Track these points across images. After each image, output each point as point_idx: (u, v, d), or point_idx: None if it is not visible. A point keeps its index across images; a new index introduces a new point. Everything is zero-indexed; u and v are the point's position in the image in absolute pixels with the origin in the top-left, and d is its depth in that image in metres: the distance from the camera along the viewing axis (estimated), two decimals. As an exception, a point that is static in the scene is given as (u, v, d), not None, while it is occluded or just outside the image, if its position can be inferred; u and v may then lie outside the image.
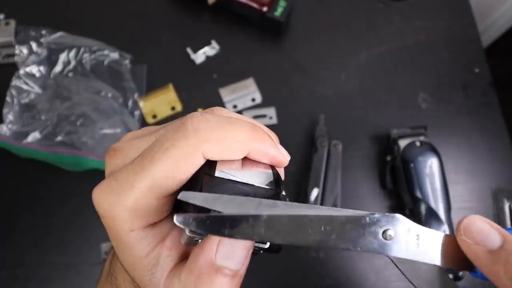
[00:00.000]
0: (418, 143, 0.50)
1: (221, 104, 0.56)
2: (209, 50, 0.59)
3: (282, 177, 0.23)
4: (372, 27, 0.63)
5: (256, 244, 0.20)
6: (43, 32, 0.56)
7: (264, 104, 0.57)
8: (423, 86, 0.59)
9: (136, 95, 0.55)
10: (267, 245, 0.20)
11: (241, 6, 0.58)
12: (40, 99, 0.53)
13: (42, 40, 0.55)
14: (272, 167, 0.21)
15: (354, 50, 0.61)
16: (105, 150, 0.51)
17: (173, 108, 0.56)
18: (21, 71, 0.54)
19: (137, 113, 0.54)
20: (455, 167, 0.56)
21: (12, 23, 0.57)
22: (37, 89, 0.53)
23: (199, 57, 0.59)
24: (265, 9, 0.56)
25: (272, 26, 0.59)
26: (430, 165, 0.49)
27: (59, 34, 0.56)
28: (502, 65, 0.84)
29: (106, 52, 0.56)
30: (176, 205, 0.21)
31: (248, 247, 0.19)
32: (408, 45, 0.62)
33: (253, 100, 0.57)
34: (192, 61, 0.59)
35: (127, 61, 0.56)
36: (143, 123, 0.55)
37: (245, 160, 0.21)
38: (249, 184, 0.19)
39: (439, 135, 0.56)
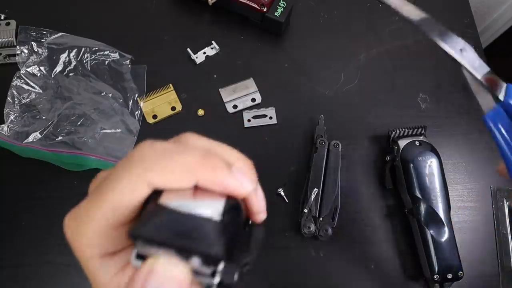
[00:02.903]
0: (417, 143, 0.50)
1: (222, 104, 0.57)
2: (209, 50, 0.60)
3: (261, 204, 0.23)
4: (372, 27, 0.63)
5: (204, 281, 0.19)
6: (44, 32, 0.56)
7: (264, 104, 0.57)
8: (423, 86, 0.59)
9: (136, 95, 0.55)
10: (216, 280, 0.19)
11: (241, 6, 0.58)
12: (41, 99, 0.53)
13: (43, 40, 0.55)
14: (230, 196, 0.21)
15: (354, 50, 0.61)
16: (105, 150, 0.51)
17: (173, 108, 0.56)
18: (22, 71, 0.54)
19: (137, 113, 0.55)
20: (454, 167, 0.56)
21: (13, 23, 0.57)
22: (38, 89, 0.54)
23: (199, 57, 0.59)
24: (265, 9, 0.57)
25: (272, 26, 0.59)
26: (430, 165, 0.49)
27: (59, 34, 0.56)
28: (501, 65, 0.84)
29: (106, 52, 0.56)
30: None
31: (181, 282, 0.18)
32: (407, 45, 0.62)
33: (253, 100, 0.57)
34: (193, 61, 0.59)
35: (127, 61, 0.56)
36: (144, 123, 0.55)
37: (200, 188, 0.20)
38: (192, 214, 0.19)
39: (438, 135, 0.56)
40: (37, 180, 0.52)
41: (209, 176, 0.20)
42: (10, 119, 0.52)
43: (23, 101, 0.53)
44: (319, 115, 0.54)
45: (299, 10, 0.62)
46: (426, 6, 0.64)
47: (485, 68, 0.28)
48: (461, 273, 0.46)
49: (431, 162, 0.49)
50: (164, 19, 0.62)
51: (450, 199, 0.49)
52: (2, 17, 0.58)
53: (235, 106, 0.57)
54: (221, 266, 0.19)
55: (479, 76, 0.28)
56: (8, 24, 0.57)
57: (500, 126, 0.28)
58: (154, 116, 0.55)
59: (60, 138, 0.51)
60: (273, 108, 0.56)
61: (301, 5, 0.63)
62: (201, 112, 0.56)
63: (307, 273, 0.50)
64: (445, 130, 0.57)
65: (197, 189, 0.20)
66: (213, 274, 0.19)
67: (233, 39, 0.61)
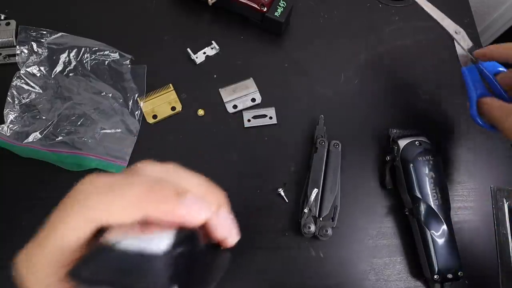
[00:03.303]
0: (417, 143, 0.50)
1: (222, 104, 0.57)
2: (209, 50, 0.60)
3: (225, 230, 0.22)
4: (372, 27, 0.63)
5: None
6: (44, 32, 0.56)
7: (264, 104, 0.57)
8: (423, 86, 0.59)
9: (136, 95, 0.55)
10: None
11: (241, 6, 0.58)
12: (41, 99, 0.53)
13: (43, 40, 0.55)
14: (182, 226, 0.20)
15: (354, 50, 0.61)
16: (105, 150, 0.51)
17: (173, 108, 0.56)
18: (22, 71, 0.54)
19: (137, 113, 0.55)
20: (454, 167, 0.56)
21: (13, 23, 0.57)
22: (38, 89, 0.54)
23: (199, 57, 0.59)
24: (265, 9, 0.57)
25: (272, 26, 0.59)
26: (430, 165, 0.49)
27: (59, 34, 0.56)
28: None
29: (106, 52, 0.56)
30: None
31: None
32: (408, 45, 0.62)
33: (253, 100, 0.57)
34: (193, 61, 0.59)
35: (127, 61, 0.56)
36: (144, 123, 0.55)
37: (150, 221, 0.20)
38: (135, 251, 0.18)
39: (438, 135, 0.56)
40: (37, 180, 0.52)
41: (156, 208, 0.19)
42: (10, 119, 0.52)
43: (23, 101, 0.53)
44: (319, 115, 0.54)
45: (299, 10, 0.62)
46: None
47: (470, 43, 0.48)
48: (461, 273, 0.46)
49: (431, 162, 0.49)
50: (164, 19, 0.62)
51: (450, 199, 0.49)
52: (2, 17, 0.58)
53: (235, 106, 0.57)
54: None
55: (466, 47, 0.48)
56: (8, 24, 0.57)
57: (470, 76, 0.46)
58: (154, 116, 0.55)
59: (60, 138, 0.51)
60: (273, 108, 0.56)
61: (301, 5, 0.63)
62: (201, 112, 0.56)
63: (307, 273, 0.50)
64: (445, 130, 0.57)
65: (147, 223, 0.19)
66: None
67: (233, 39, 0.61)
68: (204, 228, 0.21)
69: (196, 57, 0.59)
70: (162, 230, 0.19)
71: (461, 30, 0.49)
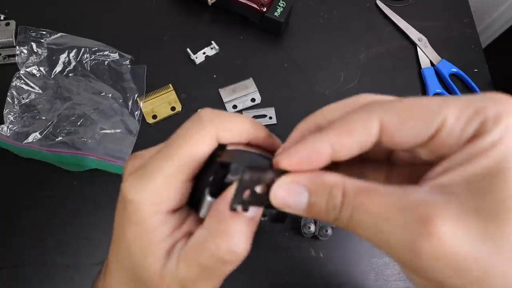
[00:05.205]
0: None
1: (221, 104, 0.57)
2: (209, 51, 0.60)
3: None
4: (372, 27, 0.63)
5: (265, 211, 0.22)
6: (44, 32, 0.56)
7: (264, 104, 0.57)
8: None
9: (136, 95, 0.55)
10: (274, 211, 0.22)
11: (241, 7, 0.58)
12: (40, 99, 0.53)
13: (42, 40, 0.55)
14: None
15: (354, 50, 0.61)
16: (105, 150, 0.51)
17: (173, 109, 0.56)
18: (22, 72, 0.54)
19: (137, 113, 0.55)
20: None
21: (13, 23, 0.57)
22: (37, 89, 0.54)
23: (199, 57, 0.59)
24: (264, 9, 0.57)
25: (271, 26, 0.59)
26: (430, 165, 0.49)
27: (59, 34, 0.56)
28: (501, 65, 0.84)
29: (106, 52, 0.56)
30: (191, 198, 0.23)
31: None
32: (407, 45, 0.62)
33: (253, 100, 0.57)
34: (192, 61, 0.59)
35: (127, 62, 0.56)
36: (144, 123, 0.55)
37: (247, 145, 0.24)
38: (261, 154, 0.23)
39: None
40: (37, 180, 0.52)
41: (260, 133, 0.24)
42: (9, 120, 0.52)
43: (23, 102, 0.53)
44: (319, 115, 0.54)
45: (298, 10, 0.62)
46: (426, 6, 0.65)
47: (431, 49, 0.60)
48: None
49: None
50: (163, 19, 0.62)
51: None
52: (2, 18, 0.58)
53: (234, 106, 0.57)
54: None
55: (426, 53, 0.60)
56: (7, 24, 0.57)
57: (429, 77, 0.58)
58: (154, 116, 0.55)
59: (59, 138, 0.51)
60: (273, 108, 0.56)
61: (300, 5, 0.63)
62: (201, 112, 0.56)
63: (307, 273, 0.50)
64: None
65: (250, 145, 0.24)
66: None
67: (233, 39, 0.61)
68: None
69: (196, 57, 0.59)
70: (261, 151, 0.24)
71: (424, 37, 0.61)
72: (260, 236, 0.50)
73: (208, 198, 0.21)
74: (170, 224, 0.22)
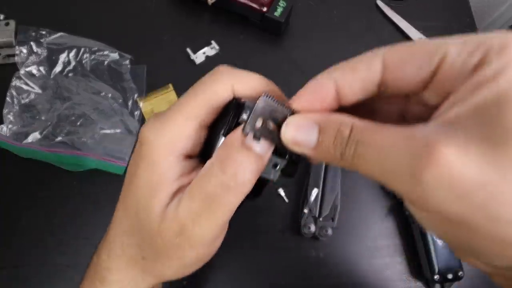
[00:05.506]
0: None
1: (221, 104, 0.57)
2: (209, 50, 0.59)
3: None
4: (372, 27, 0.63)
5: (275, 160, 0.23)
6: (43, 32, 0.56)
7: (264, 104, 0.57)
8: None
9: (136, 96, 0.55)
10: (285, 160, 0.23)
11: (241, 6, 0.58)
12: (40, 99, 0.53)
13: (42, 40, 0.55)
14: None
15: (353, 50, 0.61)
16: (105, 150, 0.51)
17: (173, 108, 0.56)
18: (21, 71, 0.54)
19: (137, 113, 0.55)
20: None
21: (12, 23, 0.57)
22: (37, 89, 0.54)
23: (199, 57, 0.59)
24: (265, 9, 0.57)
25: (272, 26, 0.59)
26: (430, 165, 0.49)
27: (59, 34, 0.56)
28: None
29: (106, 52, 0.56)
30: (203, 150, 0.24)
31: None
32: (407, 45, 0.62)
33: (253, 100, 0.57)
34: (192, 61, 0.59)
35: (127, 62, 0.56)
36: (143, 123, 0.55)
37: None
38: (278, 102, 0.23)
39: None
40: (37, 180, 0.52)
41: (274, 90, 0.25)
42: (9, 120, 0.52)
43: (22, 102, 0.53)
44: (319, 115, 0.54)
45: (298, 10, 0.62)
46: (426, 6, 0.65)
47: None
48: (461, 273, 0.46)
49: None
50: (163, 19, 0.62)
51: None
52: (2, 17, 0.58)
53: (235, 106, 0.57)
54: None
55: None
56: (7, 24, 0.57)
57: None
58: (154, 116, 0.55)
59: (59, 138, 0.51)
60: (273, 108, 0.56)
61: (300, 5, 0.63)
62: (201, 112, 0.56)
63: (307, 273, 0.50)
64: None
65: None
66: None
67: (233, 39, 0.60)
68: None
69: (196, 57, 0.58)
70: None
71: (424, 37, 0.60)
72: (260, 236, 0.50)
73: (223, 139, 0.22)
74: (180, 168, 0.23)
